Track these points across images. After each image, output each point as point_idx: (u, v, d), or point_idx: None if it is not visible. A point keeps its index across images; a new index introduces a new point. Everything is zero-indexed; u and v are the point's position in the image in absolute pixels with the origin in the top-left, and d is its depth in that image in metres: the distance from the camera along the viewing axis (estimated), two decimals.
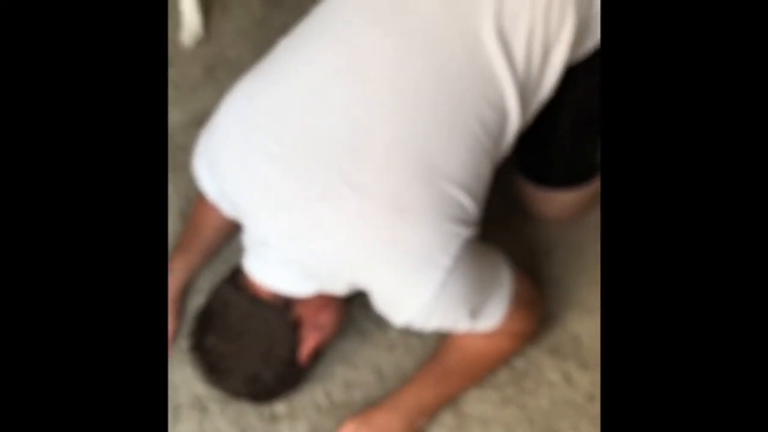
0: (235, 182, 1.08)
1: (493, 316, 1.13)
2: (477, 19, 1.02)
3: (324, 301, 1.14)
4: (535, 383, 1.26)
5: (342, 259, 1.04)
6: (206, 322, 1.16)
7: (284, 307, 1.12)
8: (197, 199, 1.35)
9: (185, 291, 1.33)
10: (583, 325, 1.31)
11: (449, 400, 1.23)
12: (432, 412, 1.22)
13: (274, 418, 1.24)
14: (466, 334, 1.19)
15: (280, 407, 1.24)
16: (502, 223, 1.14)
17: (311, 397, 1.25)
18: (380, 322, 1.31)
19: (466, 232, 1.04)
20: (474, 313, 1.09)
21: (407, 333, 1.30)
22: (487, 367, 1.24)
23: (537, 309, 1.25)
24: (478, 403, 1.24)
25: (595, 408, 1.23)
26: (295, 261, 1.08)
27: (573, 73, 1.11)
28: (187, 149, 1.43)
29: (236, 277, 1.15)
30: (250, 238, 1.14)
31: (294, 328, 1.13)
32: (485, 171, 1.07)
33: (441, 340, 1.24)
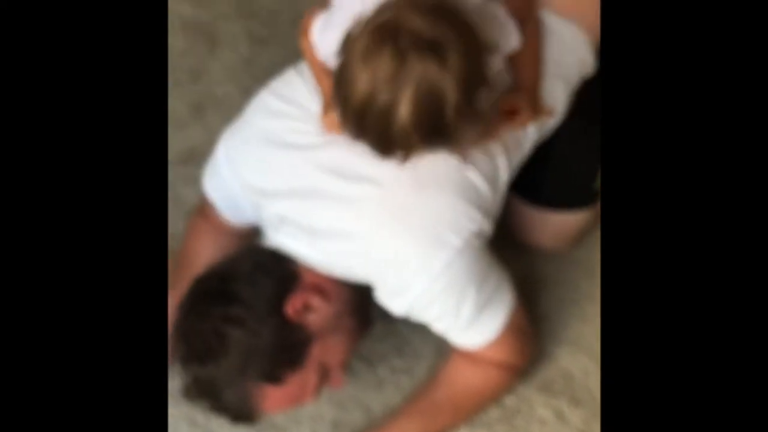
0: (262, 171, 1.13)
1: (490, 324, 1.13)
2: None
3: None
4: (526, 421, 1.24)
5: (360, 238, 1.07)
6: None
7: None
8: (189, 234, 1.33)
9: None
10: (575, 361, 1.29)
11: None
12: None
13: None
14: (456, 366, 1.19)
15: None
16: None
17: None
18: (369, 361, 1.30)
19: (480, 219, 1.08)
20: (475, 310, 1.10)
21: (396, 370, 1.28)
22: (475, 403, 1.22)
23: (530, 342, 1.23)
24: None
25: None
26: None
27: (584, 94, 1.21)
28: (174, 188, 1.43)
29: None
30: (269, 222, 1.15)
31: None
32: (504, 163, 1.14)
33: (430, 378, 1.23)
